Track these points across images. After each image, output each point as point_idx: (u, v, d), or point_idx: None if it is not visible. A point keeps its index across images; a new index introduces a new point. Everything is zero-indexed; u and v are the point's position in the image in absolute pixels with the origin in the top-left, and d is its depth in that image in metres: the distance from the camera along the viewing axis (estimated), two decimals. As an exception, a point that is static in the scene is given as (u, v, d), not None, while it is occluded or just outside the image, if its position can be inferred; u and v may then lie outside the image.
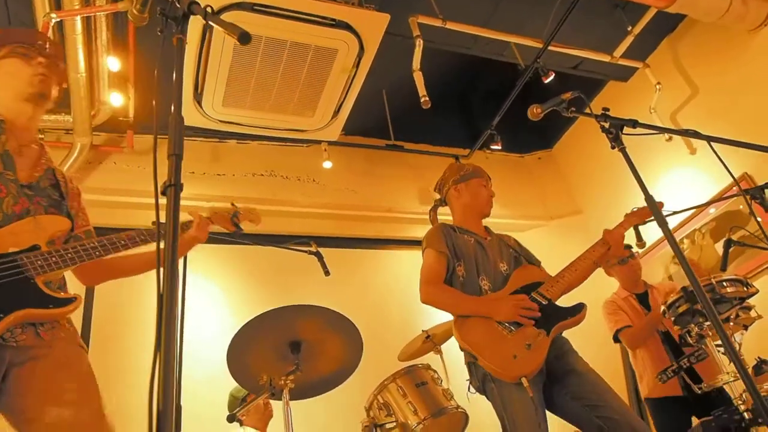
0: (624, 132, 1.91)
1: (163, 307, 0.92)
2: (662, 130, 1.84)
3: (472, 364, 2.31)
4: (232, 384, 2.93)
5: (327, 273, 3.27)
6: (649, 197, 1.82)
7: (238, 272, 4.35)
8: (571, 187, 5.90)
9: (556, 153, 6.14)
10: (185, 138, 4.40)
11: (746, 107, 4.23)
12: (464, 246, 2.52)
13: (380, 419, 2.54)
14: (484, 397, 2.31)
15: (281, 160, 4.72)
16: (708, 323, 2.87)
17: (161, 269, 0.96)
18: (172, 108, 1.15)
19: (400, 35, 3.78)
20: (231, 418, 2.19)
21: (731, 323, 2.94)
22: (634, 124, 1.89)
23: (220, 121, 3.78)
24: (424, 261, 2.54)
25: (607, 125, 1.91)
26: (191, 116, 3.78)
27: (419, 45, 3.66)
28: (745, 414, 2.79)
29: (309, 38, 3.28)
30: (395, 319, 4.39)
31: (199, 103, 3.62)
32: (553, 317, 2.30)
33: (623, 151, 1.89)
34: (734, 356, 1.48)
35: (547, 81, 4.20)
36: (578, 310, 2.35)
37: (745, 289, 2.87)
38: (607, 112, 1.94)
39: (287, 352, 2.47)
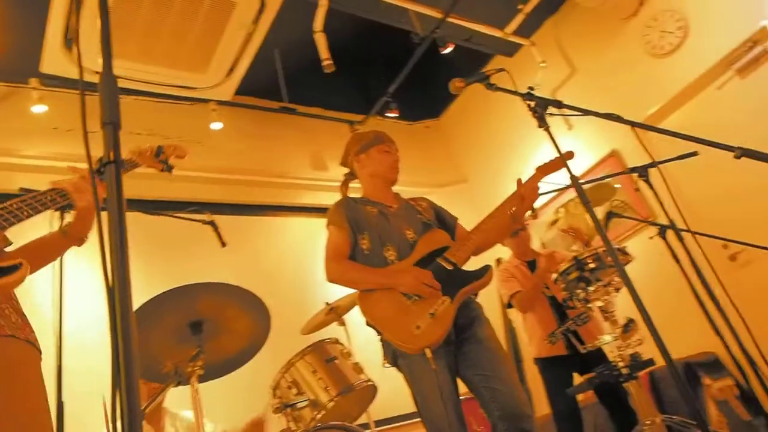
0: (548, 112, 1.95)
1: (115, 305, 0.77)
2: (585, 112, 1.88)
3: (382, 339, 2.30)
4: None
5: (223, 244, 3.06)
6: (559, 152, 1.89)
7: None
8: (457, 156, 6.07)
9: (444, 122, 6.27)
10: (46, 88, 3.91)
11: (617, 88, 4.58)
12: (367, 217, 2.47)
13: (290, 398, 2.45)
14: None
15: (162, 119, 4.31)
16: (592, 288, 3.13)
17: (107, 259, 0.80)
18: (102, 62, 0.97)
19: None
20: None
21: (610, 287, 3.23)
22: (559, 104, 1.93)
23: (96, 72, 3.35)
24: (327, 238, 2.48)
25: (533, 104, 1.93)
26: (59, 64, 3.32)
27: (323, 5, 3.49)
28: (622, 370, 3.11)
29: (206, -15, 3.00)
30: (292, 290, 4.27)
31: (71, 50, 3.18)
32: (458, 282, 2.27)
33: (548, 130, 1.93)
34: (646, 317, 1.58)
35: (444, 52, 4.23)
36: (483, 272, 2.33)
37: (623, 256, 3.15)
38: (532, 91, 1.96)
39: (187, 333, 2.27)
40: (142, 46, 3.23)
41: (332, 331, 3.11)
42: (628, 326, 3.34)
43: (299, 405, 2.42)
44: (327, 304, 3.17)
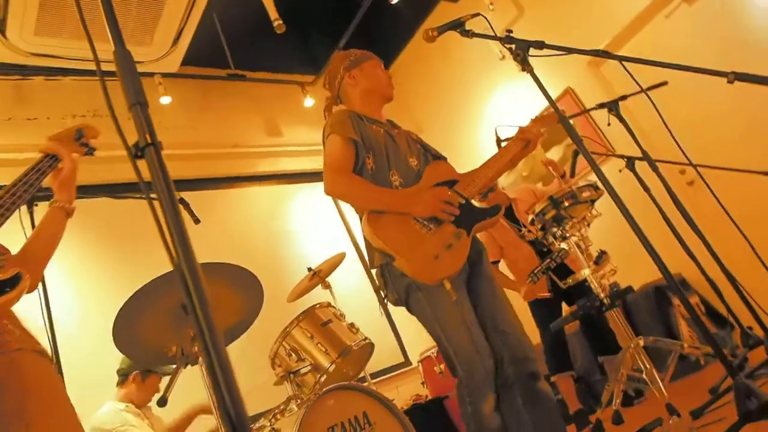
0: (510, 45, 1.93)
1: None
2: (569, 50, 1.87)
3: (387, 272, 2.08)
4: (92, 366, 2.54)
5: (197, 221, 2.97)
6: (555, 107, 1.89)
7: (80, 234, 3.74)
8: (411, 106, 6.02)
9: (395, 72, 6.17)
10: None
11: (567, 24, 4.60)
12: (374, 136, 2.22)
13: (291, 366, 2.44)
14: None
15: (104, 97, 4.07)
16: (568, 225, 3.21)
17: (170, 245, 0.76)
18: (110, 39, 0.90)
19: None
20: (163, 402, 1.92)
21: (584, 222, 3.33)
22: (541, 45, 1.91)
23: (32, 54, 3.12)
24: (328, 148, 2.16)
25: (513, 47, 1.91)
26: (-11, 49, 3.07)
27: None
28: (604, 300, 3.23)
29: (142, -50, 2.80)
30: (269, 259, 4.22)
31: (3, 33, 2.93)
32: (471, 217, 2.13)
33: (531, 72, 1.92)
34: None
35: (394, 2, 4.14)
36: (496, 211, 2.22)
37: (596, 191, 3.23)
38: (510, 34, 1.94)
39: (181, 314, 2.22)
40: (79, 23, 3.00)
41: (318, 295, 3.10)
42: (600, 258, 3.46)
43: (302, 371, 2.41)
44: (309, 269, 3.14)
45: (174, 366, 2.04)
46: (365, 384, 2.90)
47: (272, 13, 3.37)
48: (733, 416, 2.06)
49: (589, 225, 3.43)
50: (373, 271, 2.21)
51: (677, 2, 4.01)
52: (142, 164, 0.85)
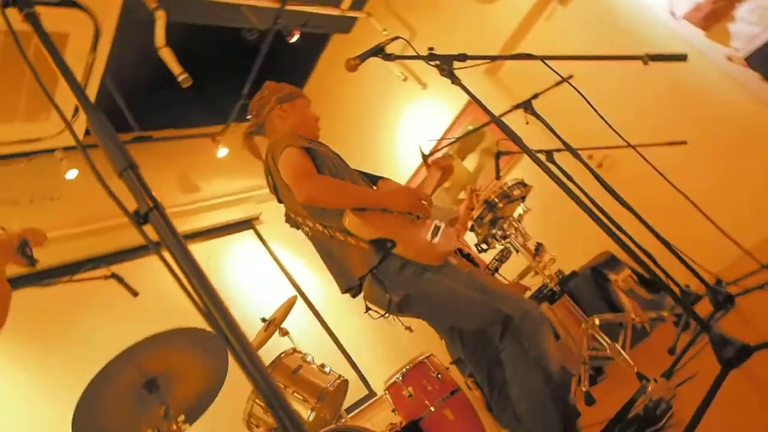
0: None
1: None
2: (493, 58, 1.96)
3: (381, 274, 1.97)
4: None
5: (135, 293, 2.82)
6: (485, 109, 1.97)
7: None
8: (321, 136, 6.02)
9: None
10: None
11: (459, 39, 4.81)
12: (324, 153, 2.21)
13: (270, 423, 2.34)
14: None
15: (9, 182, 3.79)
16: (506, 224, 3.33)
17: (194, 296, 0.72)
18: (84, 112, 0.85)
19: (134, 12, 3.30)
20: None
21: (518, 219, 3.46)
22: (464, 57, 1.99)
23: None
24: (287, 160, 2.07)
25: (438, 63, 1.97)
26: None
27: (161, 17, 3.25)
28: (554, 288, 3.37)
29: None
30: (213, 320, 4.03)
31: None
32: (439, 214, 2.20)
33: (460, 84, 1.98)
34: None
35: (293, 41, 4.16)
36: (457, 212, 2.29)
37: (524, 188, 3.37)
38: (432, 50, 2.00)
39: (145, 395, 2.09)
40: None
41: (277, 344, 3.00)
42: (538, 249, 3.61)
43: (283, 425, 2.31)
44: (263, 320, 3.05)
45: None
46: (343, 421, 2.84)
47: (175, 68, 3.29)
48: (703, 370, 2.20)
49: (521, 221, 3.59)
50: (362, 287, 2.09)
51: (553, 5, 4.30)
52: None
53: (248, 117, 2.44)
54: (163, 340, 2.17)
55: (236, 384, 2.51)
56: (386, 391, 4.08)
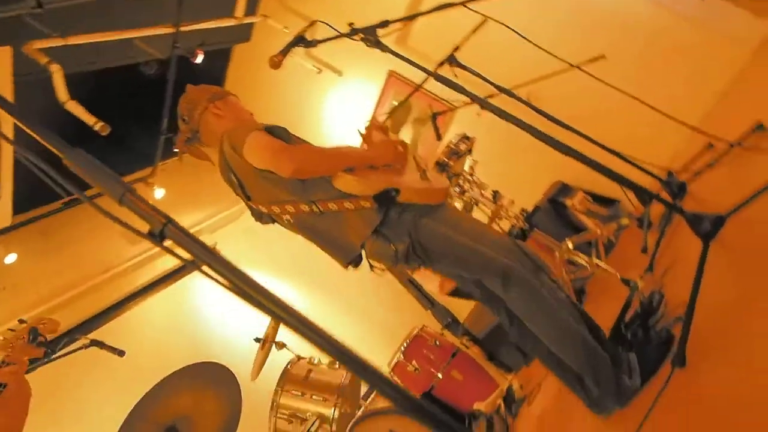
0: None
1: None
2: (412, 16, 2.00)
3: (383, 230, 1.91)
4: None
5: (121, 353, 2.73)
6: (425, 70, 2.02)
7: None
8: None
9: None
10: None
11: (360, 14, 4.79)
12: (283, 132, 2.12)
13: (299, 431, 2.33)
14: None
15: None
16: (462, 180, 3.39)
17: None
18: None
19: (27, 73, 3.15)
20: None
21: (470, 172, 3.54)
22: (386, 23, 2.00)
23: None
24: (256, 143, 1.95)
25: (363, 36, 1.98)
26: None
27: (57, 71, 3.11)
28: (524, 227, 3.47)
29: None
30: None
31: None
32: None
33: (389, 50, 2.00)
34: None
35: (198, 61, 4.07)
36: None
37: (469, 141, 3.44)
38: (352, 25, 2.01)
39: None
40: None
41: (279, 357, 2.98)
42: (496, 196, 3.71)
43: (312, 430, 2.31)
44: (257, 339, 3.01)
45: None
46: (362, 410, 2.85)
47: (88, 118, 3.16)
48: (679, 257, 2.33)
49: (474, 173, 3.67)
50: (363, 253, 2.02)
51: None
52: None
53: (182, 119, 2.26)
54: (166, 386, 2.14)
55: (255, 405, 2.50)
56: (392, 373, 4.12)
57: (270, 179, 1.94)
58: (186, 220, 4.89)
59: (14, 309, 3.68)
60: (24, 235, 3.99)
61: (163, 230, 0.79)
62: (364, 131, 2.45)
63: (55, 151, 0.87)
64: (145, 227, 0.85)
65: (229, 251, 4.72)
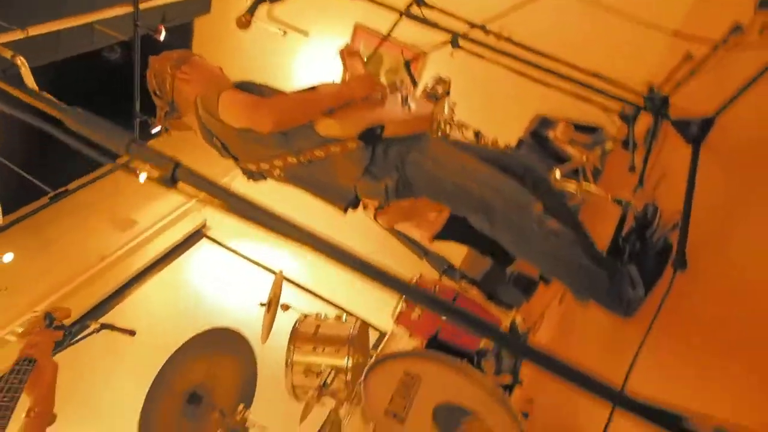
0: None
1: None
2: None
3: (371, 169, 1.89)
4: None
5: (132, 333, 2.75)
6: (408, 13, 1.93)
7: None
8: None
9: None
10: None
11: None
12: (253, 85, 2.10)
13: (315, 383, 2.39)
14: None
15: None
16: (443, 125, 3.40)
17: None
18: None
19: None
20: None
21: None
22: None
23: None
24: (229, 102, 1.91)
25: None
26: None
27: (23, 64, 3.02)
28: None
29: None
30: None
31: None
32: None
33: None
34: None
35: (161, 38, 3.98)
36: None
37: (445, 82, 3.43)
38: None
39: (193, 408, 2.10)
40: None
41: (286, 318, 3.03)
42: (478, 135, 3.73)
43: (328, 382, 2.37)
44: (262, 304, 3.05)
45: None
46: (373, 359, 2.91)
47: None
48: (669, 170, 2.36)
49: (454, 116, 3.67)
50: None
51: None
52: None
53: (154, 94, 2.20)
54: (181, 356, 2.16)
55: (269, 366, 2.55)
56: (396, 323, 4.19)
57: (252, 137, 1.91)
58: (173, 200, 4.88)
59: (18, 307, 3.69)
60: (16, 234, 3.97)
61: (174, 173, 0.78)
62: (344, 52, 2.35)
63: (54, 113, 0.85)
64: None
65: (220, 227, 4.74)
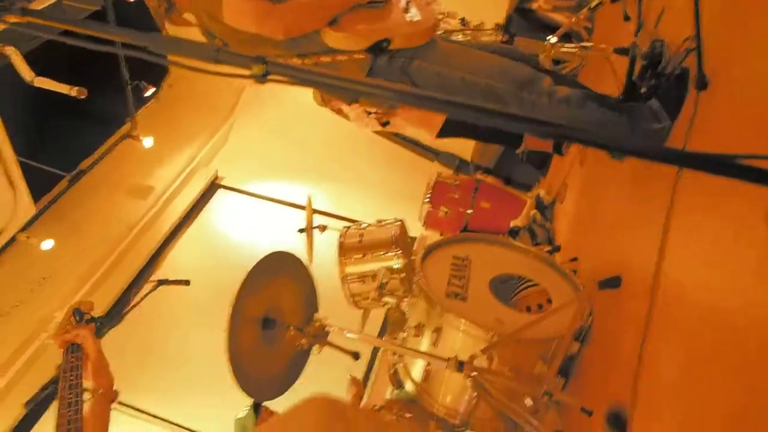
0: None
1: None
2: None
3: (375, 69, 1.93)
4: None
5: (187, 282, 2.89)
6: None
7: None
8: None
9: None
10: None
11: None
12: None
13: (373, 286, 2.53)
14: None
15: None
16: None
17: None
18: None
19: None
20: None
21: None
22: None
23: None
24: (235, 7, 1.87)
25: None
26: None
27: (14, 53, 3.01)
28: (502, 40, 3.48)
29: None
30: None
31: None
32: None
33: None
34: None
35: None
36: None
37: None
38: None
39: (270, 334, 2.24)
40: None
41: (325, 239, 3.16)
42: (464, 21, 3.69)
43: (384, 282, 2.50)
44: (300, 230, 3.17)
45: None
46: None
47: (62, 87, 3.08)
48: (668, 4, 2.35)
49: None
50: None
51: None
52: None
53: None
54: (244, 290, 2.26)
55: (323, 284, 2.68)
56: (425, 225, 4.31)
57: (255, 38, 1.90)
58: (182, 158, 4.92)
59: (62, 295, 3.84)
60: (49, 220, 4.05)
61: (265, 70, 0.83)
62: None
63: (137, 43, 0.89)
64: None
65: (233, 174, 4.80)
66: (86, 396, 1.56)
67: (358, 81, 0.78)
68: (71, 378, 1.56)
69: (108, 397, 1.61)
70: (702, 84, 1.60)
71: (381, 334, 3.41)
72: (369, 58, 1.91)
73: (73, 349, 1.65)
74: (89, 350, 1.65)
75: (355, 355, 2.00)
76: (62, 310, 1.81)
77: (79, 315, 1.82)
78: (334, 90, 0.84)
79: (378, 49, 1.89)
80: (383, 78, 1.94)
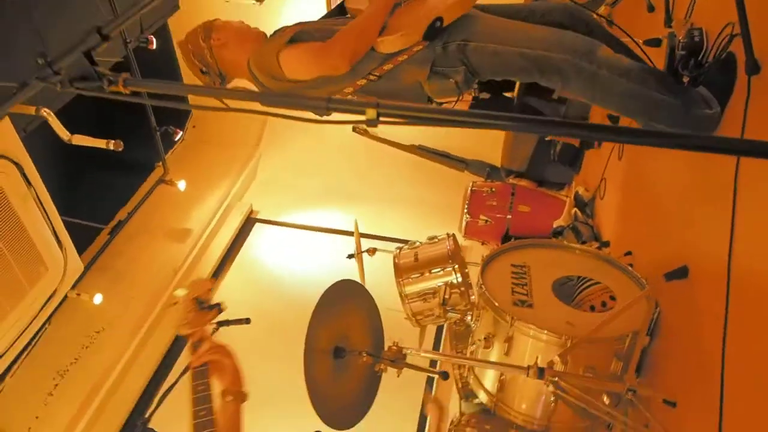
0: None
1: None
2: None
3: (437, 71, 1.98)
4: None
5: (247, 321, 2.92)
6: None
7: None
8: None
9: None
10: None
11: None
12: (303, 29, 2.11)
13: (436, 303, 2.54)
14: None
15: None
16: None
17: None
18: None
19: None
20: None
21: None
22: None
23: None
24: (291, 60, 1.97)
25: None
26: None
27: (49, 114, 3.10)
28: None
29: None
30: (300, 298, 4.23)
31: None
32: None
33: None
34: None
35: (153, 47, 4.01)
36: None
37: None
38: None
39: (342, 362, 2.26)
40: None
41: (376, 261, 3.18)
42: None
43: (446, 297, 2.51)
44: (349, 256, 3.20)
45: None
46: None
47: (98, 142, 3.18)
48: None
49: None
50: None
51: None
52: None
53: (201, 72, 2.23)
54: (315, 321, 2.28)
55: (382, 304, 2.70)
56: (465, 236, 4.32)
57: (320, 81, 1.97)
58: (215, 197, 4.99)
59: (121, 341, 3.89)
60: (96, 274, 4.13)
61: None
62: None
63: (250, 98, 0.93)
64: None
65: (267, 208, 4.84)
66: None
67: (464, 112, 0.81)
68: (202, 391, 1.50)
69: (239, 399, 1.58)
70: (753, 68, 1.59)
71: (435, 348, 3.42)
72: (426, 49, 1.93)
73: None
74: (214, 354, 1.60)
75: (444, 375, 2.00)
76: (181, 299, 1.77)
77: (200, 304, 1.77)
78: (441, 124, 0.86)
79: (433, 33, 1.90)
80: (445, 69, 1.96)
